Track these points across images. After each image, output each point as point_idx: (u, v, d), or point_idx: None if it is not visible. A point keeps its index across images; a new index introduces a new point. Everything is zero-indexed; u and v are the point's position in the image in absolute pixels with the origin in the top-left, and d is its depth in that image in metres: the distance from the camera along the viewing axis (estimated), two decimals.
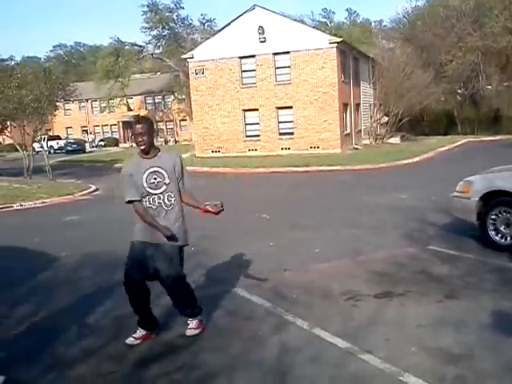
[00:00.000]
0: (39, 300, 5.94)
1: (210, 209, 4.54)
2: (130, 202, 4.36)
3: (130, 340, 4.52)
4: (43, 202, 15.07)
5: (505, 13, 38.83)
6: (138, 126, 4.35)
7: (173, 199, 4.42)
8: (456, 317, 4.67)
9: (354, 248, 7.40)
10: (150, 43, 49.22)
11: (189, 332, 4.61)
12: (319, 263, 6.74)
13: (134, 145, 4.58)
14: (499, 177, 7.27)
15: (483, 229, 7.09)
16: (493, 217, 6.95)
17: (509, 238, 6.80)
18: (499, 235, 6.89)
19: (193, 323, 4.64)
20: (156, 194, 4.37)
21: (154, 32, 48.19)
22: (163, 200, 4.39)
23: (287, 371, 3.85)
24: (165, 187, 4.38)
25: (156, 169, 4.37)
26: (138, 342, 4.51)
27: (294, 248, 7.66)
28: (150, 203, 4.37)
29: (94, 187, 18.01)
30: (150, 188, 4.35)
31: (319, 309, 5.08)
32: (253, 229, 9.45)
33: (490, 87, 42.90)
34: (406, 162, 21.71)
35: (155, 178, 4.36)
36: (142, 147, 4.36)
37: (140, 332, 4.57)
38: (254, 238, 8.62)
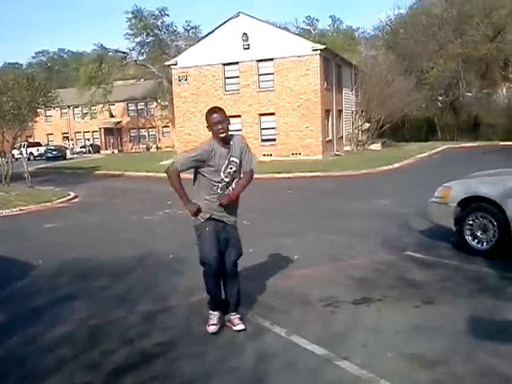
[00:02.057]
0: (12, 309, 5.83)
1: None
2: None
3: (210, 328, 4.65)
4: (20, 210, 14.80)
5: (485, 21, 39.55)
6: (216, 115, 4.45)
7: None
8: (432, 322, 4.69)
9: (333, 254, 7.40)
10: (133, 50, 49.07)
11: (239, 327, 4.70)
12: (298, 269, 6.72)
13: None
14: (477, 182, 7.34)
15: (460, 234, 7.14)
16: (470, 222, 7.01)
17: (485, 243, 6.85)
18: (476, 240, 6.94)
19: (239, 319, 4.76)
20: (229, 182, 4.56)
21: (138, 39, 48.10)
22: (232, 186, 4.59)
23: (263, 379, 3.82)
24: (237, 175, 4.60)
25: (232, 158, 4.53)
26: (218, 326, 4.66)
27: (273, 254, 7.63)
28: (221, 189, 4.53)
29: (73, 194, 17.78)
30: (226, 177, 4.52)
31: (297, 315, 5.05)
32: None
33: (469, 94, 43.58)
34: (386, 168, 21.85)
35: (231, 168, 4.53)
36: (223, 135, 4.44)
37: (214, 317, 4.71)
38: None
